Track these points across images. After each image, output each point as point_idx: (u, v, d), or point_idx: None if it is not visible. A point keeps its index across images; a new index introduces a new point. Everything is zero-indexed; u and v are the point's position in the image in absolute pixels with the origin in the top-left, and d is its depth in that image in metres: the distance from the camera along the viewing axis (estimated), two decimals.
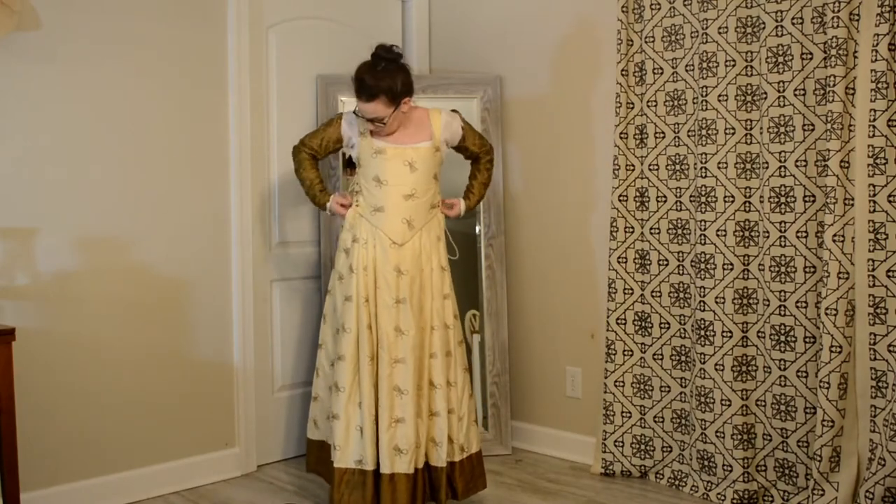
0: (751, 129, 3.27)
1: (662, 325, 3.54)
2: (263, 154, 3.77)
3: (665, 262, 3.52)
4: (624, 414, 3.61)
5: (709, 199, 3.32)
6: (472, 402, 3.19)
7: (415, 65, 4.20)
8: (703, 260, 3.34)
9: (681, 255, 3.48)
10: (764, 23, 3.17)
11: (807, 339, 3.12)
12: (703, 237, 3.34)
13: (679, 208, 3.47)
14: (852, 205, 2.97)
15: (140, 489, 3.37)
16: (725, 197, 3.29)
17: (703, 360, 3.35)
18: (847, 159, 2.98)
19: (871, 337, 2.96)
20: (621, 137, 3.56)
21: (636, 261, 3.59)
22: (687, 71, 3.41)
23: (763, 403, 3.26)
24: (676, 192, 3.48)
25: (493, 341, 3.94)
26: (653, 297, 3.56)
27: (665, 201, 3.51)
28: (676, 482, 3.49)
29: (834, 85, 2.96)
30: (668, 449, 3.56)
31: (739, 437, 3.28)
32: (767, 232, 3.20)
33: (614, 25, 3.60)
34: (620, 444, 3.62)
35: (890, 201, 2.92)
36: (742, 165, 3.28)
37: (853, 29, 2.94)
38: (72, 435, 3.20)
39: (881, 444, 2.89)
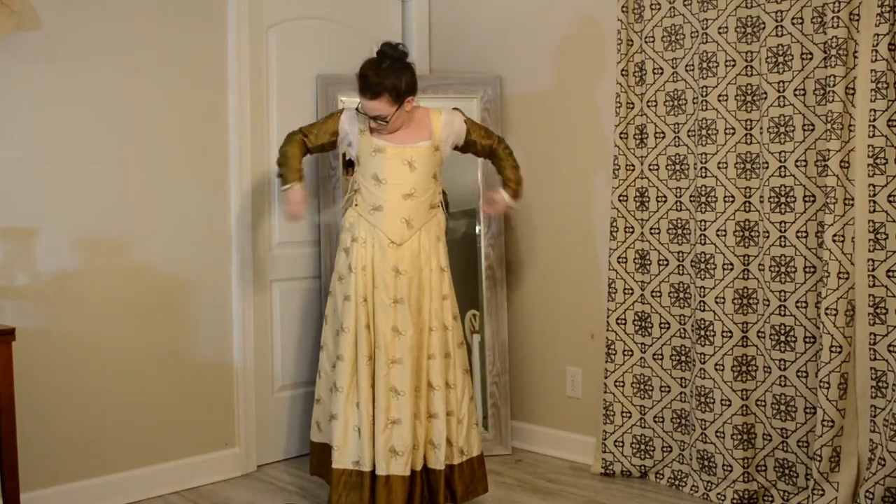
0: (751, 129, 3.27)
1: (662, 325, 3.54)
2: (263, 154, 3.77)
3: (665, 262, 3.52)
4: (624, 414, 3.61)
5: (709, 199, 3.32)
6: (472, 405, 3.17)
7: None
8: (703, 260, 3.34)
9: (681, 255, 3.48)
10: (764, 23, 3.17)
11: (807, 339, 3.12)
12: (703, 237, 3.34)
13: (679, 208, 3.47)
14: (852, 205, 2.97)
15: (140, 489, 3.37)
16: (725, 197, 3.29)
17: (703, 360, 3.35)
18: (847, 159, 2.98)
19: (871, 337, 2.96)
20: (621, 137, 3.56)
21: (636, 261, 3.59)
22: (687, 71, 3.41)
23: (763, 403, 3.26)
24: (676, 192, 3.48)
25: (493, 341, 3.94)
26: (653, 297, 3.56)
27: (665, 201, 3.51)
28: (676, 482, 3.49)
29: (834, 85, 2.96)
30: (668, 449, 3.56)
31: (739, 437, 3.28)
32: (767, 232, 3.20)
33: (614, 25, 3.60)
34: (620, 444, 3.62)
35: (890, 201, 2.92)
36: (742, 165, 3.28)
37: (853, 29, 2.94)
38: (72, 435, 3.20)
39: (881, 444, 2.89)
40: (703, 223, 3.34)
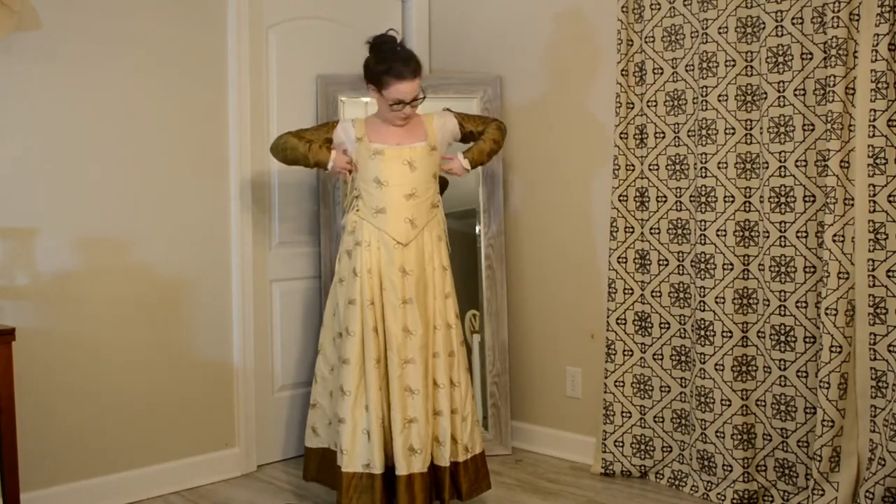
0: (751, 129, 3.27)
1: (662, 325, 3.54)
2: (263, 154, 3.77)
3: (665, 262, 3.52)
4: (624, 414, 3.61)
5: (709, 199, 3.32)
6: (474, 403, 3.19)
7: None
8: (703, 260, 3.34)
9: (681, 255, 3.48)
10: (764, 23, 3.17)
11: (807, 339, 3.12)
12: (703, 237, 3.34)
13: (679, 208, 3.47)
14: (852, 205, 2.97)
15: (140, 489, 3.37)
16: (725, 197, 3.29)
17: (703, 360, 3.35)
18: (847, 159, 2.98)
19: (871, 337, 2.96)
20: (621, 137, 3.56)
21: (636, 261, 3.59)
22: (687, 71, 3.41)
23: (763, 403, 3.26)
24: (676, 192, 3.48)
25: (493, 341, 3.94)
26: (653, 297, 3.56)
27: (665, 201, 3.51)
28: (676, 482, 3.49)
29: (834, 85, 2.96)
30: (668, 449, 3.56)
31: (739, 437, 3.28)
32: (767, 232, 3.20)
33: (614, 25, 3.60)
34: (620, 444, 3.62)
35: (890, 201, 2.92)
36: (742, 165, 3.28)
37: (853, 29, 2.94)
38: (72, 435, 3.20)
39: (881, 444, 2.89)
40: (703, 223, 3.34)
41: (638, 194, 3.58)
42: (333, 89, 3.90)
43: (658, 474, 3.56)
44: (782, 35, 3.13)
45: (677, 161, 3.47)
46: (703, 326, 3.34)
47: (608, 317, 3.61)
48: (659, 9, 3.47)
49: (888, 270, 2.92)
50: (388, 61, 3.04)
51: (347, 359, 3.04)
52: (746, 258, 3.29)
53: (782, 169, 3.16)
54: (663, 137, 3.50)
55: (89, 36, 3.23)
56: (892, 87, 2.89)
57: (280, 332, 3.86)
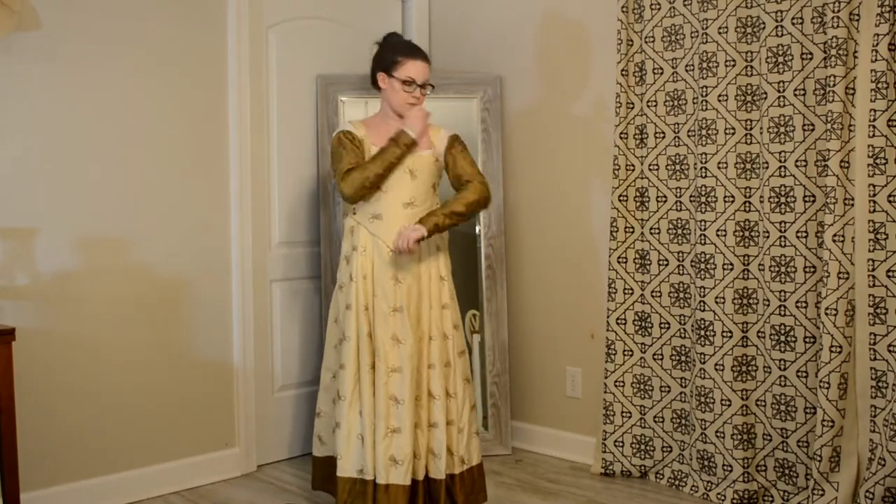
0: (751, 129, 3.27)
1: (662, 325, 3.54)
2: (263, 154, 3.77)
3: (665, 262, 3.52)
4: (624, 414, 3.61)
5: (709, 199, 3.32)
6: (473, 414, 3.13)
7: None
8: (703, 260, 3.34)
9: (681, 255, 3.48)
10: (764, 23, 3.17)
11: (807, 339, 3.12)
12: (703, 237, 3.34)
13: (679, 208, 3.47)
14: (852, 205, 2.97)
15: (140, 489, 3.37)
16: (725, 197, 3.29)
17: (703, 360, 3.35)
18: (847, 159, 2.98)
19: (871, 337, 2.96)
20: (621, 137, 3.56)
21: (636, 261, 3.59)
22: (687, 71, 3.41)
23: (763, 403, 3.26)
24: (676, 192, 3.48)
25: (493, 341, 3.94)
26: (653, 297, 3.56)
27: (665, 201, 3.51)
28: (676, 482, 3.49)
29: (834, 85, 2.96)
30: (668, 449, 3.56)
31: (739, 437, 3.28)
32: (767, 232, 3.20)
33: (614, 25, 3.60)
34: (620, 444, 3.62)
35: (890, 201, 2.92)
36: (742, 165, 3.28)
37: (853, 29, 2.94)
38: (72, 435, 3.20)
39: (881, 444, 2.89)
40: (703, 223, 3.34)
41: (638, 194, 3.58)
42: (333, 89, 3.90)
43: (658, 474, 3.56)
44: (782, 35, 3.13)
45: (677, 161, 3.47)
46: (703, 326, 3.34)
47: (608, 317, 3.61)
48: (659, 9, 3.47)
49: (888, 270, 2.92)
50: (401, 45, 3.11)
51: (344, 364, 3.03)
52: (746, 258, 3.29)
53: (782, 169, 3.16)
54: (663, 137, 3.50)
55: (89, 36, 3.23)
56: (892, 87, 2.89)
57: (280, 332, 3.86)
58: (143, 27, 3.38)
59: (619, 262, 3.58)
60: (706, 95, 3.31)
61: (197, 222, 3.56)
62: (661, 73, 3.49)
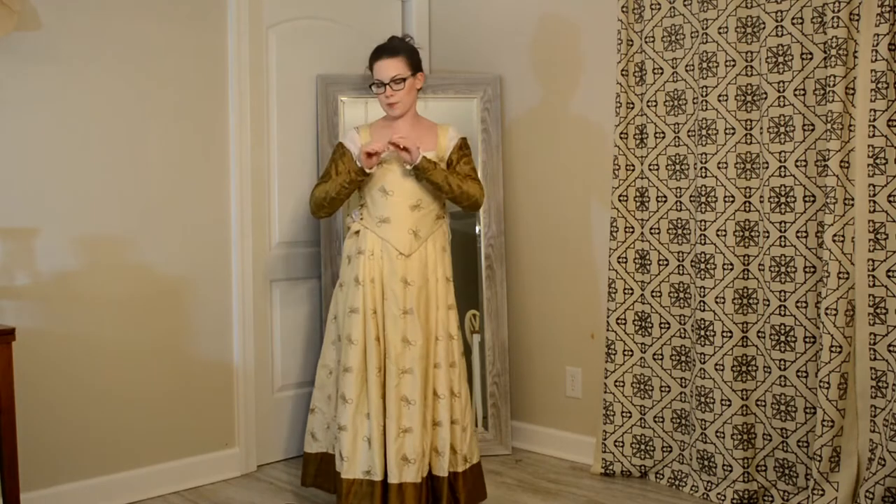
0: (751, 129, 3.27)
1: (662, 325, 3.54)
2: (263, 154, 3.77)
3: (665, 262, 3.52)
4: (624, 414, 3.61)
5: (709, 199, 3.32)
6: (472, 413, 3.18)
7: None
8: (703, 260, 3.34)
9: (681, 255, 3.48)
10: (764, 23, 3.17)
11: (807, 339, 3.12)
12: (703, 237, 3.34)
13: (679, 208, 3.47)
14: (852, 205, 2.97)
15: (140, 489, 3.37)
16: (725, 197, 3.29)
17: (703, 360, 3.35)
18: (847, 159, 2.98)
19: (871, 337, 2.96)
20: (621, 137, 3.56)
21: (636, 261, 3.59)
22: (687, 71, 3.41)
23: (763, 403, 3.26)
24: (676, 192, 3.48)
25: (493, 341, 3.94)
26: (653, 297, 3.56)
27: (665, 201, 3.51)
28: (676, 482, 3.49)
29: (834, 85, 2.96)
30: (668, 449, 3.56)
31: (739, 437, 3.28)
32: (767, 232, 3.20)
33: (614, 25, 3.60)
34: (620, 444, 3.62)
35: (890, 201, 2.92)
36: (742, 165, 3.28)
37: (853, 29, 2.94)
38: (72, 435, 3.20)
39: (881, 444, 2.89)
40: (703, 223, 3.34)
41: (638, 194, 3.58)
42: (333, 89, 3.90)
43: (658, 474, 3.56)
44: (782, 35, 3.13)
45: (677, 161, 3.47)
46: (703, 326, 3.34)
47: (608, 317, 3.61)
48: (659, 9, 3.47)
49: (888, 270, 2.92)
50: (373, 51, 3.14)
51: (350, 367, 3.04)
52: (746, 258, 3.29)
53: (782, 169, 3.16)
54: (663, 137, 3.50)
55: (89, 36, 3.23)
56: (892, 87, 2.89)
57: (280, 332, 3.86)
58: (144, 27, 3.38)
59: (619, 262, 3.58)
60: (706, 95, 3.31)
61: (197, 222, 3.56)
62: (661, 73, 3.49)
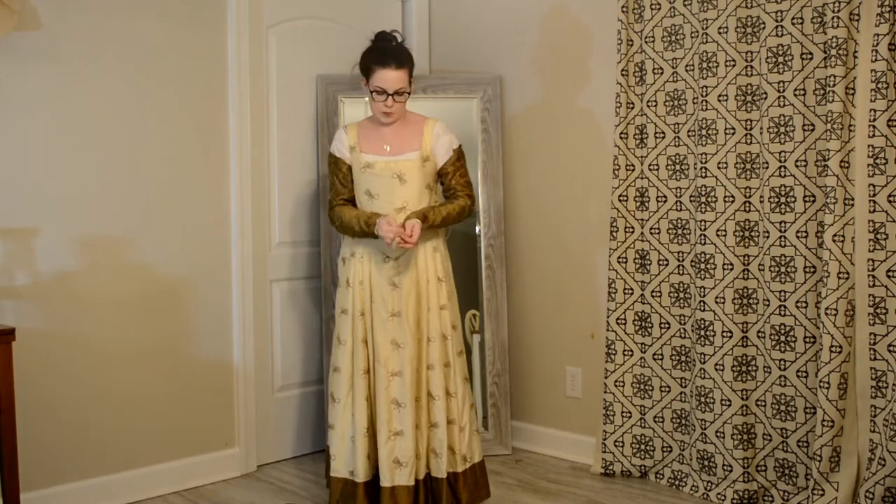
0: (751, 129, 3.27)
1: (662, 325, 3.54)
2: (263, 154, 3.77)
3: (665, 262, 3.52)
4: (624, 414, 3.61)
5: (709, 199, 3.32)
6: (472, 412, 3.15)
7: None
8: (703, 260, 3.34)
9: (681, 255, 3.48)
10: (764, 23, 3.17)
11: (807, 339, 3.12)
12: (703, 237, 3.34)
13: (679, 208, 3.47)
14: (852, 205, 2.97)
15: (140, 489, 3.37)
16: (725, 197, 3.29)
17: (703, 360, 3.35)
18: (847, 159, 2.98)
19: (871, 337, 2.96)
20: (621, 137, 3.56)
21: (636, 261, 3.59)
22: (687, 71, 3.41)
23: (763, 403, 3.26)
24: (676, 192, 3.48)
25: (493, 341, 3.94)
26: (653, 297, 3.56)
27: (665, 201, 3.51)
28: (676, 482, 3.49)
29: (834, 85, 2.96)
30: (668, 449, 3.56)
31: (739, 437, 3.28)
32: (767, 232, 3.20)
33: (614, 25, 3.60)
34: (620, 444, 3.62)
35: (890, 201, 2.92)
36: (742, 165, 3.28)
37: (853, 29, 2.94)
38: (72, 435, 3.20)
39: (881, 444, 2.89)
40: (703, 223, 3.34)
41: (638, 194, 3.58)
42: (333, 89, 3.90)
43: (658, 474, 3.56)
44: (782, 35, 3.13)
45: (677, 161, 3.47)
46: (703, 326, 3.34)
47: (608, 317, 3.61)
48: (659, 9, 3.47)
49: (888, 270, 2.92)
50: (375, 50, 3.04)
51: (338, 367, 3.06)
52: (746, 258, 3.29)
53: (782, 169, 3.16)
54: (663, 137, 3.50)
55: (89, 36, 3.23)
56: (892, 87, 2.89)
57: (280, 332, 3.86)
58: (144, 27, 3.38)
59: (619, 262, 3.58)
60: (706, 95, 3.31)
61: (197, 222, 3.56)
62: (661, 73, 3.49)
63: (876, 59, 2.89)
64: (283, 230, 3.86)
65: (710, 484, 3.36)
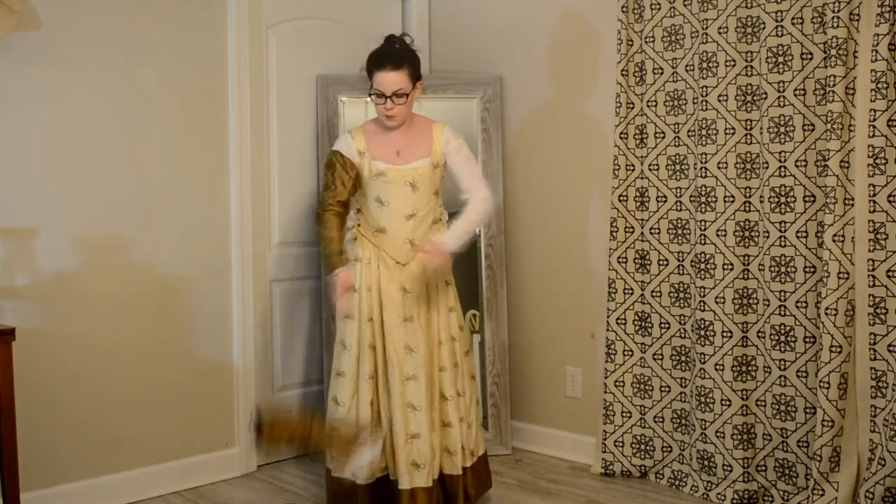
0: (751, 129, 3.27)
1: (662, 325, 3.54)
2: (263, 154, 3.77)
3: (665, 262, 3.52)
4: (624, 414, 3.61)
5: (709, 199, 3.32)
6: (477, 408, 3.20)
7: None
8: (703, 260, 3.34)
9: (681, 255, 3.48)
10: (764, 23, 3.17)
11: (807, 339, 3.12)
12: (703, 237, 3.34)
13: (679, 208, 3.47)
14: (852, 205, 2.97)
15: (140, 489, 3.37)
16: (725, 197, 3.29)
17: (703, 360, 3.35)
18: (847, 159, 2.98)
19: (871, 337, 2.96)
20: (621, 137, 3.56)
21: (636, 261, 3.59)
22: (687, 71, 3.41)
23: (763, 403, 3.26)
24: (676, 192, 3.48)
25: (493, 341, 3.94)
26: (653, 297, 3.56)
27: (665, 201, 3.51)
28: (676, 482, 3.49)
29: (834, 85, 2.96)
30: (668, 449, 3.56)
31: (739, 437, 3.28)
32: (767, 232, 3.20)
33: (614, 25, 3.60)
34: (620, 444, 3.62)
35: (890, 201, 2.92)
36: (742, 165, 3.28)
37: (853, 29, 2.94)
38: (72, 435, 3.20)
39: (881, 444, 2.89)
40: (703, 223, 3.34)
41: (638, 194, 3.58)
42: (333, 89, 3.90)
43: (658, 474, 3.56)
44: (782, 35, 3.13)
45: (677, 161, 3.47)
46: (703, 326, 3.34)
47: (608, 317, 3.61)
48: (659, 9, 3.47)
49: (888, 270, 2.92)
50: (374, 55, 3.01)
51: (342, 371, 3.05)
52: (746, 258, 3.29)
53: (782, 169, 3.16)
54: (663, 137, 3.50)
55: (89, 36, 3.23)
56: (892, 87, 2.89)
57: (280, 332, 3.86)
58: (143, 27, 3.38)
59: (619, 262, 3.58)
60: (706, 95, 3.31)
61: (197, 222, 3.56)
62: (661, 73, 3.49)
63: (876, 59, 2.89)
64: (283, 230, 3.87)
65: (710, 484, 3.36)
